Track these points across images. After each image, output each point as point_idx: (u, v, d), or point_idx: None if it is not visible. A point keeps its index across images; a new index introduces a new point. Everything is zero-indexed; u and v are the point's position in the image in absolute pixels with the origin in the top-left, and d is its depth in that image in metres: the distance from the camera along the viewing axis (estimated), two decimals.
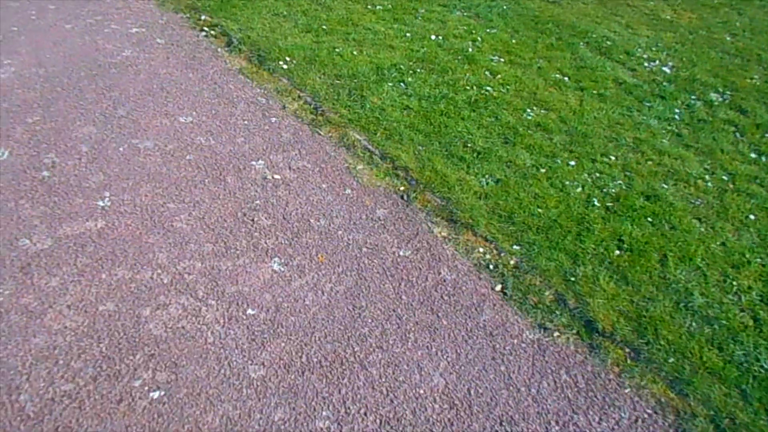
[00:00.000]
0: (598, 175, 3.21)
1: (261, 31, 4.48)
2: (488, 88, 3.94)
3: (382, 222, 2.86)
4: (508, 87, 3.97)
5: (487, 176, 3.14)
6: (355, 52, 4.27)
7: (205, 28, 4.54)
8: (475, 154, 3.30)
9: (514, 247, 2.73)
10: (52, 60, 3.91)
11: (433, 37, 4.58)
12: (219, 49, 4.30)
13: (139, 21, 4.58)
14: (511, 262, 2.65)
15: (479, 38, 4.59)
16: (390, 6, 5.06)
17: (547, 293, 2.51)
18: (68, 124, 3.30)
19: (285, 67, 4.05)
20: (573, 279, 2.55)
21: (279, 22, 4.63)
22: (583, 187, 3.11)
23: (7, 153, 3.03)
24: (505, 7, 5.21)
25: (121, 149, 3.16)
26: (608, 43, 4.65)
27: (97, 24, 4.45)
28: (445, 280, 2.57)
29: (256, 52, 4.22)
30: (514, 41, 4.62)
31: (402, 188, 3.08)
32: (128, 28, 4.46)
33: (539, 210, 2.92)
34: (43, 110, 3.40)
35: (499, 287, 2.54)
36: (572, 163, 3.28)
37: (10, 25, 4.29)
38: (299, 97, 3.79)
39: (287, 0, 5.00)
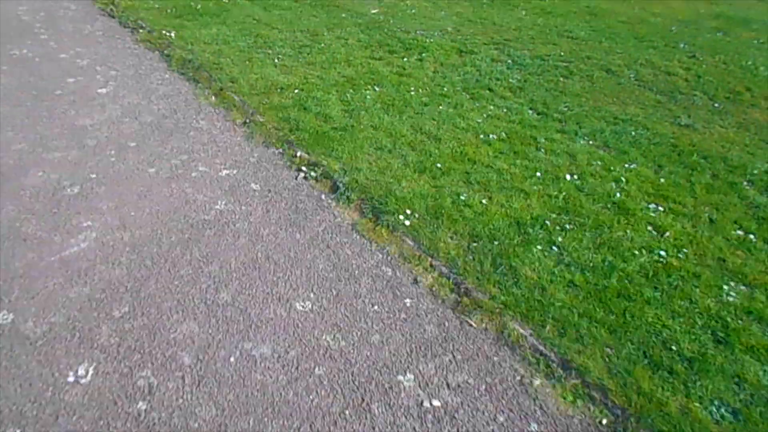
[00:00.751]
0: None
1: (368, 172, 3.88)
2: (661, 252, 3.21)
3: None
4: (684, 251, 3.23)
5: (716, 403, 2.34)
6: (484, 201, 3.61)
7: (303, 168, 3.97)
8: (685, 363, 2.52)
9: None
10: (138, 219, 3.32)
11: (567, 176, 3.91)
12: (323, 196, 3.69)
13: (229, 160, 4.04)
14: None
15: (622, 178, 3.91)
16: (504, 135, 4.46)
17: None
18: (164, 319, 2.64)
19: (407, 222, 3.40)
20: None
21: (386, 160, 4.03)
22: None
23: (92, 371, 2.36)
24: (633, 133, 4.56)
25: (231, 359, 2.46)
26: None
27: (183, 166, 3.92)
28: None
29: (369, 201, 3.60)
30: (662, 180, 3.92)
31: (605, 421, 2.29)
32: (218, 169, 3.91)
33: None
34: (133, 297, 2.76)
35: None
36: None
37: (89, 171, 3.77)
38: (432, 266, 3.10)
39: (389, 130, 4.44)
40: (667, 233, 3.37)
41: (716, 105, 5.15)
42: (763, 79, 5.73)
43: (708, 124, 4.78)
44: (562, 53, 6.29)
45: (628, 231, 3.38)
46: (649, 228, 3.43)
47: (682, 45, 6.68)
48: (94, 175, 3.72)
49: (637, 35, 7.03)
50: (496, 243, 3.24)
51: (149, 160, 3.95)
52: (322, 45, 6.23)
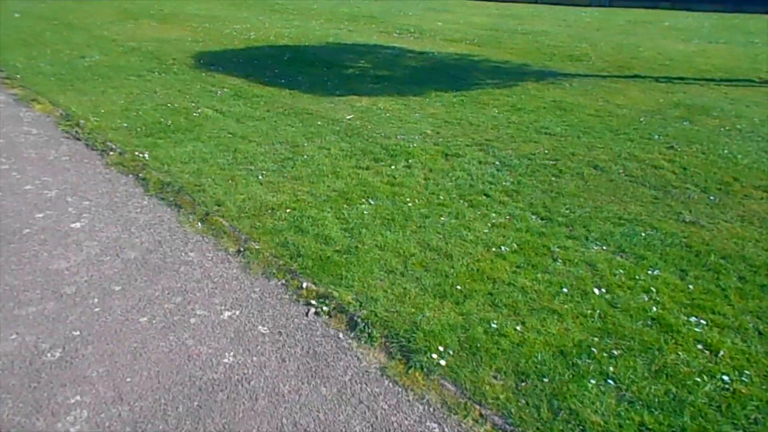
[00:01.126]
0: None
1: (385, 301, 3.56)
2: (723, 377, 2.95)
3: None
4: (747, 372, 2.99)
5: None
6: (518, 327, 3.32)
7: (313, 302, 3.61)
8: None
9: None
10: (136, 386, 2.86)
11: (595, 290, 3.69)
12: (341, 335, 3.33)
13: (229, 298, 3.65)
14: None
15: (651, 288, 3.72)
16: (516, 246, 4.25)
17: None
18: None
19: (442, 362, 3.06)
20: None
21: (401, 285, 3.73)
22: None
23: None
24: (643, 234, 4.44)
25: None
26: None
27: (178, 310, 3.50)
28: None
29: (394, 338, 3.25)
30: (691, 287, 3.75)
31: None
32: (218, 312, 3.51)
33: None
34: None
35: None
36: None
37: (71, 327, 3.30)
38: (482, 416, 2.74)
39: (395, 249, 4.17)
40: (721, 352, 3.14)
41: (712, 198, 5.14)
42: (744, 167, 5.83)
43: (711, 219, 4.73)
44: (546, 151, 6.30)
45: (679, 353, 3.13)
46: (699, 347, 3.19)
47: (656, 136, 6.83)
48: (77, 332, 3.26)
49: (611, 128, 7.18)
50: (546, 380, 2.92)
51: (139, 307, 3.52)
52: (305, 156, 6.04)
